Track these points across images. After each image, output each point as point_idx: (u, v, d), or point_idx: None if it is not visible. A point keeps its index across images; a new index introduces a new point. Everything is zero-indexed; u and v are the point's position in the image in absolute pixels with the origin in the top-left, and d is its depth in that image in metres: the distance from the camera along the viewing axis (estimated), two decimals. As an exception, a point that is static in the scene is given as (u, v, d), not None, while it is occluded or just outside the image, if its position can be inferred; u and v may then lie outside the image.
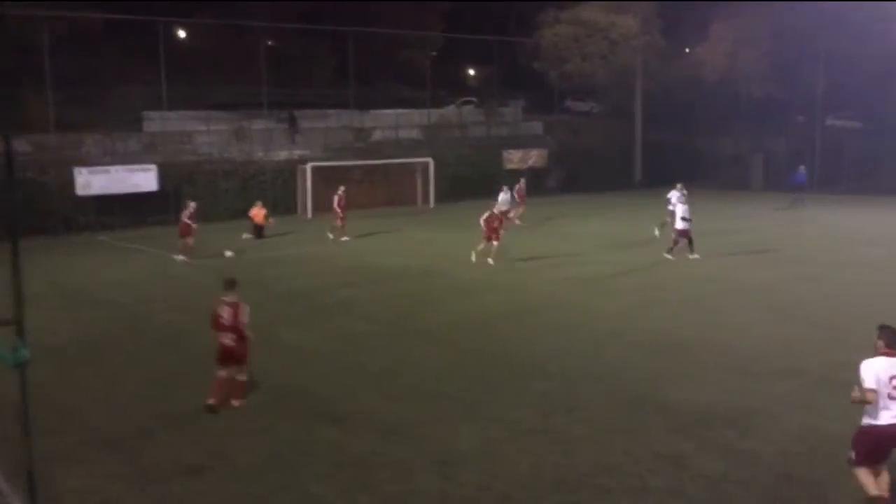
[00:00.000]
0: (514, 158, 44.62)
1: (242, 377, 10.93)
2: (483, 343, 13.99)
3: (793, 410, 10.28)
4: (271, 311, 16.49)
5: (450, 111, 48.40)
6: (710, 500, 7.89)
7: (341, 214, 27.33)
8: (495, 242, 21.68)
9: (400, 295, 18.34)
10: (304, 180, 36.00)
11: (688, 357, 12.83)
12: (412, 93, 49.24)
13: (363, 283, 19.84)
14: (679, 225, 22.00)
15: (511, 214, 28.67)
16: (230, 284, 10.96)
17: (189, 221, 23.79)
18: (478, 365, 12.69)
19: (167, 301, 18.28)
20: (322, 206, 35.70)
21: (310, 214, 35.21)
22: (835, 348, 12.99)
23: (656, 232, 25.80)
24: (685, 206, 22.06)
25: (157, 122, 37.24)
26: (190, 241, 23.73)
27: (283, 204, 36.69)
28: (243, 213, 35.89)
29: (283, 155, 38.19)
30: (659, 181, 48.26)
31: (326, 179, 36.18)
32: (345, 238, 27.31)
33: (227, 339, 10.60)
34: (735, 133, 49.32)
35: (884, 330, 7.68)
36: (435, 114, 46.41)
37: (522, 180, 33.36)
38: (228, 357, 10.67)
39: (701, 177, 48.56)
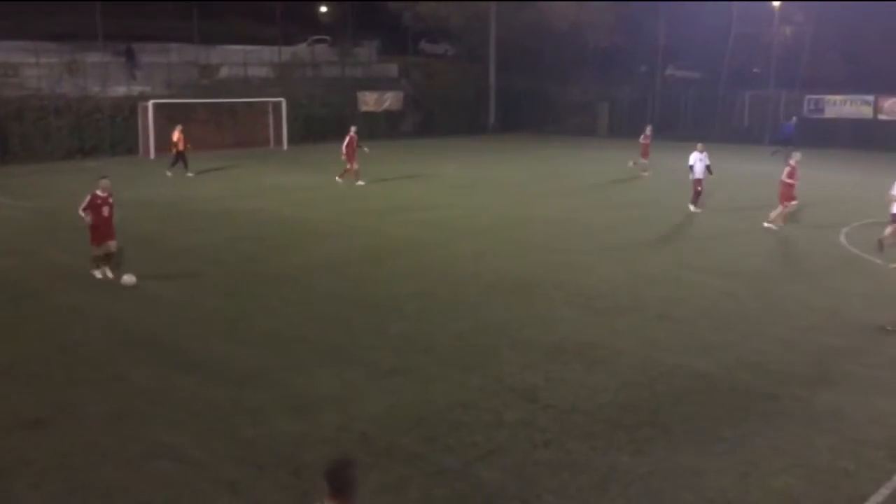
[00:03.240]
0: (369, 101, 44.20)
1: None
2: (339, 287, 13.93)
3: (634, 344, 10.95)
4: (116, 256, 15.66)
5: (302, 49, 47.05)
6: (560, 429, 8.32)
7: (345, 156, 25.74)
8: (788, 206, 18.99)
9: (253, 239, 17.89)
10: (146, 119, 34.14)
11: (538, 296, 13.34)
12: (261, 29, 47.40)
13: (213, 227, 19.17)
14: (698, 176, 21.15)
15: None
16: None
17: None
18: (334, 308, 12.65)
19: (-4, 247, 16.97)
20: (166, 145, 34.04)
21: (152, 155, 33.52)
22: (670, 286, 13.92)
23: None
24: (703, 163, 21.17)
25: (-22, 52, 33.99)
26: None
27: (122, 144, 34.78)
28: (78, 153, 33.58)
29: (121, 91, 36.00)
30: (512, 126, 49.39)
31: (170, 118, 34.43)
32: (360, 182, 25.65)
33: None
34: (583, 81, 50.95)
35: None
36: (286, 52, 44.99)
37: (649, 128, 30.60)
38: None
39: (551, 122, 50.05)
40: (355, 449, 7.84)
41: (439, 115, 47.18)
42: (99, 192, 13.86)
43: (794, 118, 37.24)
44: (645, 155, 29.70)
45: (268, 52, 43.90)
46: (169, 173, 27.61)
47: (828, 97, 43.03)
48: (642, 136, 30.00)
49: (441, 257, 16.17)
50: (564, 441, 8.05)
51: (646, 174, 28.98)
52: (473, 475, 7.38)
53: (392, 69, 48.95)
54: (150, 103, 34.06)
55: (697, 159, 21.25)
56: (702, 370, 10.01)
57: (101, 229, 13.87)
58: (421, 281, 14.30)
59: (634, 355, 10.50)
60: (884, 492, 7.05)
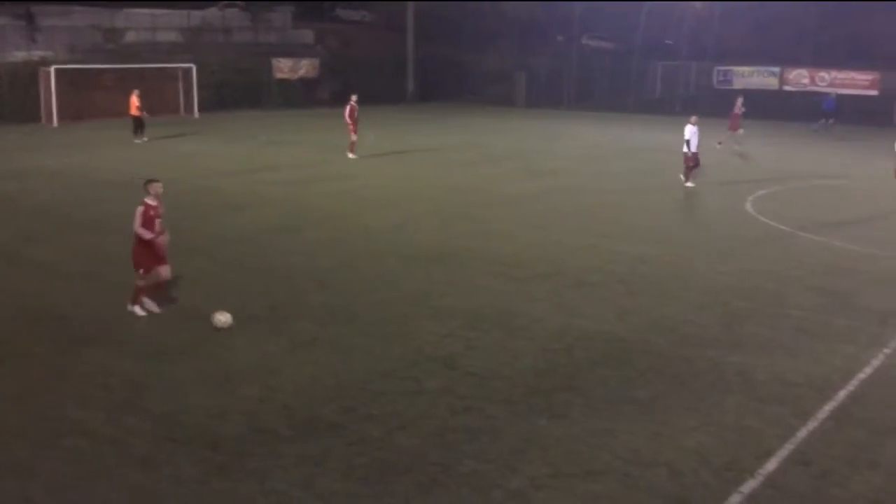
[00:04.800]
0: (284, 68, 43.26)
1: None
2: (257, 258, 13.67)
3: (552, 311, 11.14)
4: (15, 228, 15.00)
5: (212, 13, 45.58)
6: (479, 396, 8.41)
7: (352, 127, 24.61)
8: None
9: (166, 209, 17.29)
10: (48, 85, 32.56)
11: (458, 265, 13.40)
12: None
13: (123, 198, 18.38)
14: (694, 150, 20.66)
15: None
16: None
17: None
18: (253, 280, 12.41)
19: None
20: (70, 113, 32.65)
21: (55, 123, 32.05)
22: (587, 254, 14.19)
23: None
24: (697, 136, 20.68)
25: None
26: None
27: (22, 112, 33.10)
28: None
29: (20, 56, 34.24)
30: (430, 95, 49.16)
31: (74, 84, 32.99)
32: (352, 155, 24.71)
33: None
34: (500, 50, 51.03)
35: None
36: (196, 16, 43.52)
37: (740, 99, 29.02)
38: None
39: (469, 92, 50.05)
40: (276, 420, 7.76)
41: (357, 83, 46.45)
42: (149, 201, 10.48)
43: (834, 93, 37.07)
44: (735, 128, 27.94)
45: (177, 16, 42.38)
46: (137, 141, 27.04)
47: (736, 68, 44.41)
48: (736, 107, 28.35)
49: (360, 228, 16.05)
50: (484, 407, 8.14)
51: (739, 148, 26.87)
52: (395, 443, 7.40)
53: (307, 35, 47.95)
54: (52, 69, 32.48)
55: (692, 133, 20.64)
56: (617, 335, 10.26)
57: (152, 250, 10.45)
58: (340, 252, 14.17)
59: (552, 322, 10.69)
60: (788, 447, 7.40)
